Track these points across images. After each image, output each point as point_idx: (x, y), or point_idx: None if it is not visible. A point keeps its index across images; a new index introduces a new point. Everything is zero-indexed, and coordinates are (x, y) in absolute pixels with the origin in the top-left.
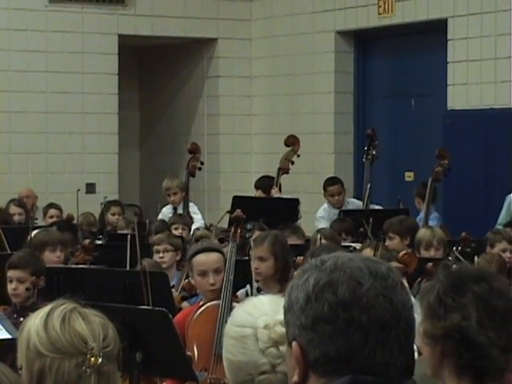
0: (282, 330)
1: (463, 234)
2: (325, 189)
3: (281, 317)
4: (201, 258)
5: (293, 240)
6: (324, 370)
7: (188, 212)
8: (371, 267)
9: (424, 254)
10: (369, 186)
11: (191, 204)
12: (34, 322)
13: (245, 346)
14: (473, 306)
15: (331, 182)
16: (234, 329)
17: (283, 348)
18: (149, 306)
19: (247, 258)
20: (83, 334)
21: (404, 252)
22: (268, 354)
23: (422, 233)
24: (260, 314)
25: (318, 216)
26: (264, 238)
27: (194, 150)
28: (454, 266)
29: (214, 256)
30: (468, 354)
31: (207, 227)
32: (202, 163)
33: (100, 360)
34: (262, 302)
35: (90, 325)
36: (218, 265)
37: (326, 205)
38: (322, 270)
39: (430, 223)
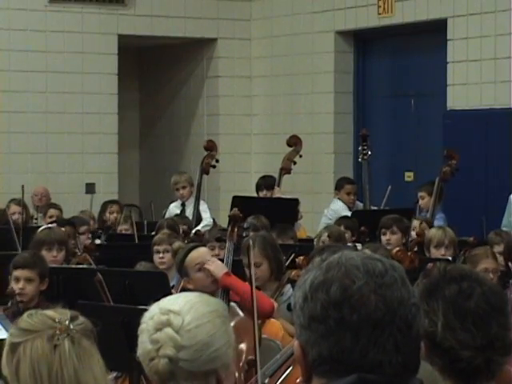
0: (159, 317)
1: (471, 238)
2: (342, 187)
3: (168, 306)
4: (193, 254)
5: (284, 240)
6: (322, 371)
7: (198, 210)
8: (369, 265)
9: (434, 252)
10: (389, 188)
11: (202, 202)
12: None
13: (141, 339)
14: (440, 310)
15: (349, 180)
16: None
17: (160, 333)
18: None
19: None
20: (51, 314)
21: (397, 249)
22: (152, 340)
23: (434, 231)
24: (155, 307)
25: (341, 210)
26: (253, 244)
27: (210, 148)
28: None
29: (203, 249)
30: (438, 360)
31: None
32: (217, 161)
33: (68, 324)
34: (162, 300)
35: (59, 310)
36: (211, 254)
37: (340, 203)
38: (320, 269)
39: (436, 224)
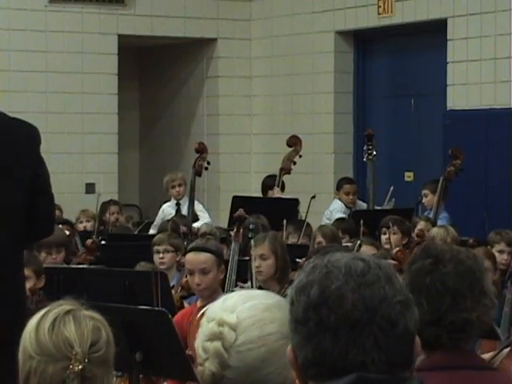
0: (213, 326)
1: (471, 240)
2: (341, 187)
3: (226, 316)
4: (190, 256)
5: (295, 238)
6: (310, 374)
7: (193, 211)
8: (351, 265)
9: None
10: (392, 188)
11: (196, 202)
12: (31, 322)
13: (198, 335)
14: (405, 284)
15: (348, 180)
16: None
17: (210, 344)
18: (158, 307)
19: (248, 258)
20: (70, 338)
21: (398, 249)
22: (203, 347)
23: (436, 230)
24: (219, 308)
25: (336, 211)
26: (264, 238)
27: (201, 150)
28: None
29: (202, 256)
30: None
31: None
32: (208, 163)
33: (81, 366)
34: (231, 296)
35: (80, 329)
36: (204, 266)
37: (339, 202)
38: (304, 272)
39: (439, 223)
